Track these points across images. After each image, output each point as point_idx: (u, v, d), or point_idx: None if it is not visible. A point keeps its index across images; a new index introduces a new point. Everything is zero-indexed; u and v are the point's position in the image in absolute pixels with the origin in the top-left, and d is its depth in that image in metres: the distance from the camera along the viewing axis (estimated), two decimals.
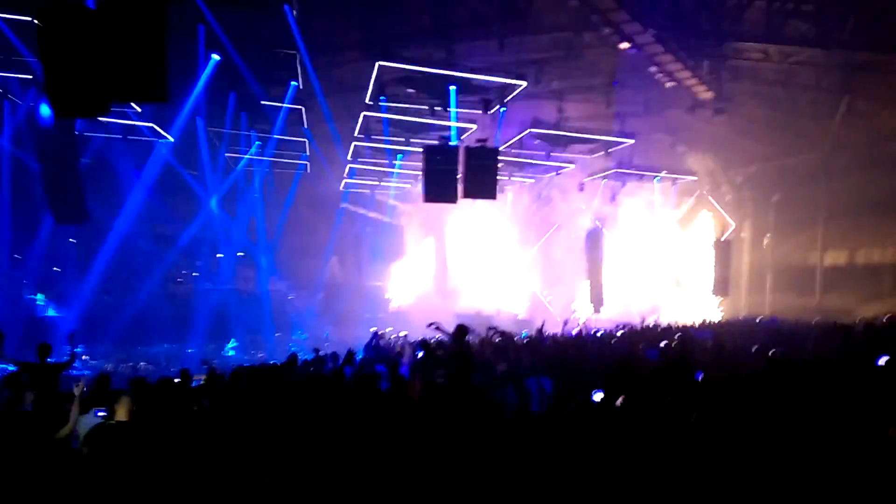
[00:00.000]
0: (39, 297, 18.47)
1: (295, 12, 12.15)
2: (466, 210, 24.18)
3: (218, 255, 21.24)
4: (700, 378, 6.81)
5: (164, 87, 8.24)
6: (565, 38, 15.14)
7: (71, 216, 13.76)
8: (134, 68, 8.00)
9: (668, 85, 16.37)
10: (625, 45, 14.45)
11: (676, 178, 23.97)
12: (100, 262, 17.51)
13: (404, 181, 22.87)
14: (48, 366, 7.35)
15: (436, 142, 16.82)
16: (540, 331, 12.60)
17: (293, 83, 15.11)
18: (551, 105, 17.77)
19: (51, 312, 18.29)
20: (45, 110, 12.33)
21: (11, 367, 7.55)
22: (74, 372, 11.79)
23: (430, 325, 9.42)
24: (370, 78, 14.64)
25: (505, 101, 15.98)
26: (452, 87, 15.63)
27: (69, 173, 13.09)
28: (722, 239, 24.42)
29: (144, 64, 8.04)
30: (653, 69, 15.60)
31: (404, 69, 14.57)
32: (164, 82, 8.20)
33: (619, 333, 13.87)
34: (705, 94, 16.86)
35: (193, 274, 21.92)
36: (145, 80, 8.13)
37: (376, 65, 13.99)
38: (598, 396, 5.87)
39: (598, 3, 12.93)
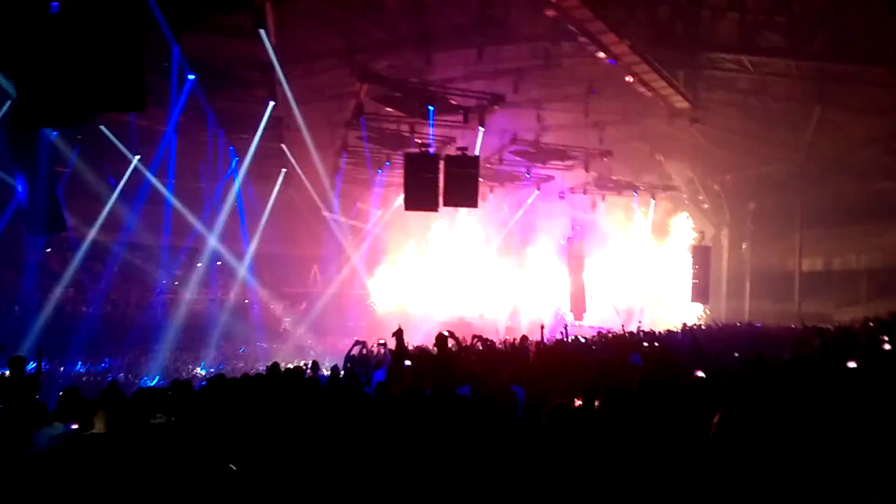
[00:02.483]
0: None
1: (272, 39, 12.16)
2: (448, 217, 24.24)
3: (198, 265, 21.03)
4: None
5: (141, 96, 8.20)
6: (543, 48, 15.29)
7: (47, 226, 13.59)
8: (110, 77, 7.94)
9: (646, 94, 16.58)
10: (601, 56, 14.63)
11: (654, 192, 24.17)
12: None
13: (386, 189, 22.85)
14: (25, 378, 7.21)
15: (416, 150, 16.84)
16: (524, 338, 12.63)
17: (271, 102, 15.10)
18: (530, 114, 17.89)
19: None
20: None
21: None
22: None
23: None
24: (349, 86, 14.68)
25: (483, 118, 16.02)
26: (431, 107, 15.69)
27: (46, 183, 12.94)
28: (700, 246, 24.65)
29: (120, 72, 7.97)
30: (629, 79, 15.79)
31: (384, 87, 14.68)
32: (141, 91, 8.15)
33: (598, 338, 13.94)
34: (681, 103, 17.10)
35: (175, 283, 21.70)
36: (122, 89, 8.08)
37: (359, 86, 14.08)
38: (577, 402, 5.88)
39: (575, 14, 13.07)
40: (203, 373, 16.70)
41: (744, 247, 24.88)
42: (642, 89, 16.29)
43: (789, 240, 22.90)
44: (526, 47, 15.50)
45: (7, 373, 7.23)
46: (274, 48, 12.55)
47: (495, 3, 14.06)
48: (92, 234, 17.54)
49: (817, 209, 21.39)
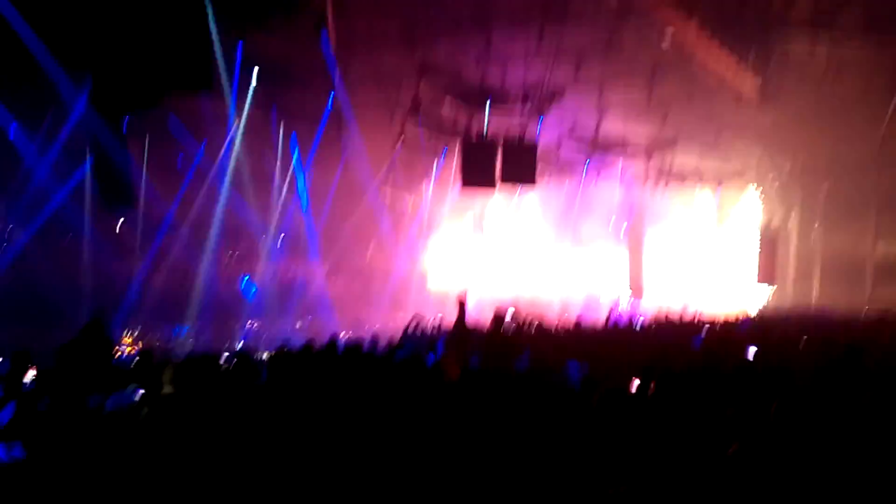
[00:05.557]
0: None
1: (332, 41, 12.41)
2: (505, 195, 24.22)
3: (262, 236, 21.65)
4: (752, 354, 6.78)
5: (208, 75, 8.47)
6: (607, 28, 14.90)
7: (119, 200, 14.19)
8: (178, 57, 8.20)
9: (713, 75, 16.04)
10: (668, 34, 14.21)
11: (720, 179, 23.55)
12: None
13: (444, 172, 22.94)
14: (103, 339, 7.59)
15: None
16: (578, 320, 12.60)
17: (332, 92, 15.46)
18: (592, 97, 17.47)
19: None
20: None
21: None
22: None
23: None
24: (408, 67, 14.72)
25: (543, 110, 15.87)
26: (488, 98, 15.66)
27: (118, 159, 13.50)
28: (768, 227, 23.85)
29: (187, 52, 8.23)
30: (697, 59, 15.30)
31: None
32: (208, 70, 8.42)
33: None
34: (751, 84, 16.47)
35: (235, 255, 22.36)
36: (190, 70, 8.34)
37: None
38: (634, 386, 5.84)
39: None
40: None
41: (815, 229, 23.89)
42: (710, 70, 15.76)
43: (864, 223, 21.86)
44: (588, 28, 15.13)
45: (87, 335, 7.61)
46: (333, 38, 12.76)
47: None
48: (167, 211, 18.38)
49: (894, 191, 20.36)
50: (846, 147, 21.08)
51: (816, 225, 23.77)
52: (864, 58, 16.40)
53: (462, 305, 8.61)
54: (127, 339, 16.07)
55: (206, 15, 8.74)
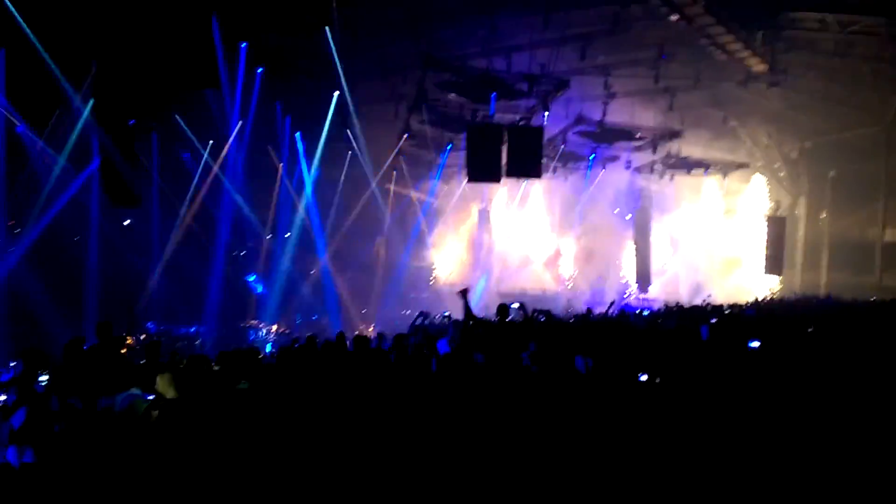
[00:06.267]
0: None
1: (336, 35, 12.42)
2: (511, 187, 24.16)
3: (267, 237, 21.70)
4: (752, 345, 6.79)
5: (215, 74, 8.51)
6: (612, 12, 14.77)
7: (125, 200, 14.22)
8: (185, 58, 8.23)
9: (720, 57, 15.90)
10: (674, 18, 14.08)
11: (727, 170, 23.36)
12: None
13: (449, 169, 22.90)
14: (115, 339, 7.60)
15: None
16: (589, 310, 12.58)
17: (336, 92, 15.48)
18: (597, 82, 17.34)
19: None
20: None
21: None
22: None
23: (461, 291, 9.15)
24: (413, 58, 14.64)
25: (548, 103, 15.79)
26: (493, 93, 15.59)
27: (125, 159, 13.52)
28: (775, 216, 23.69)
29: (194, 52, 8.26)
30: (703, 41, 15.16)
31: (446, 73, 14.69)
32: (214, 69, 8.45)
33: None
34: (759, 66, 16.31)
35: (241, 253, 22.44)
36: (196, 69, 8.37)
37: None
38: (643, 377, 5.84)
39: None
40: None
41: (822, 216, 23.73)
42: (717, 52, 15.62)
43: (871, 209, 21.70)
44: (594, 12, 15.00)
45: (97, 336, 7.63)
46: (337, 32, 12.72)
47: None
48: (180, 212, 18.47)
49: None
50: (853, 132, 20.91)
51: (824, 212, 23.64)
52: (872, 41, 16.22)
53: (465, 295, 8.60)
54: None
55: (211, 14, 8.76)
